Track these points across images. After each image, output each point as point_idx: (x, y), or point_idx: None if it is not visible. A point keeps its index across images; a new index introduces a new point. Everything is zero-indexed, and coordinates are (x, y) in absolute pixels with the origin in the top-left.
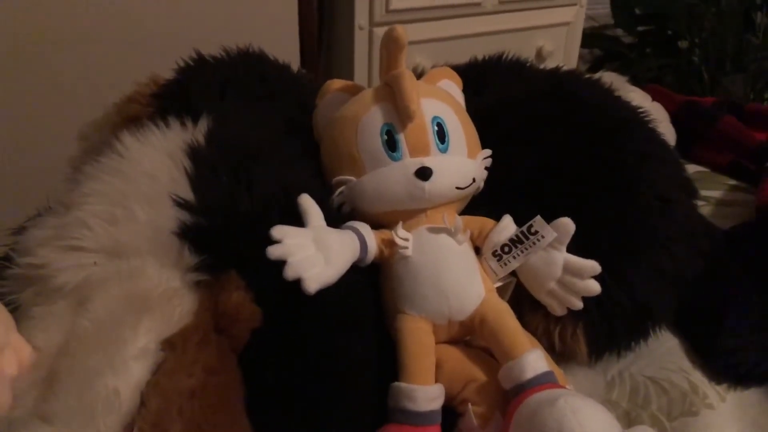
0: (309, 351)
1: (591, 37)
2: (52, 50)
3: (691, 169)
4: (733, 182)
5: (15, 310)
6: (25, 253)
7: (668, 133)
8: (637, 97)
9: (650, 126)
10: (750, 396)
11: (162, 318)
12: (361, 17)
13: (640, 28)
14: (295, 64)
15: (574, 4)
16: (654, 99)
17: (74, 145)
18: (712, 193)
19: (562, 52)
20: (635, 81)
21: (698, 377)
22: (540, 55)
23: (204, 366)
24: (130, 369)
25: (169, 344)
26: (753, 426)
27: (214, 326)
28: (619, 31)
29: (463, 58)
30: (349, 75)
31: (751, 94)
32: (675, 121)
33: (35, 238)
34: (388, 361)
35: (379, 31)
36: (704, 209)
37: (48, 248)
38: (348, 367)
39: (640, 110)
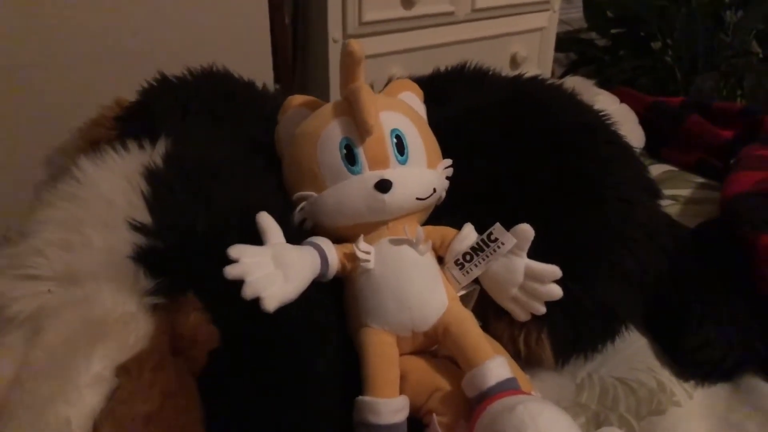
0: (270, 370)
1: (565, 42)
2: (19, 73)
3: (660, 168)
4: (701, 180)
5: None
6: None
7: (637, 134)
8: (605, 100)
9: (612, 129)
10: (717, 391)
11: (117, 344)
12: (334, 30)
13: (613, 31)
14: (269, 78)
15: (547, 10)
16: (622, 101)
17: (40, 171)
18: (680, 191)
19: (537, 57)
20: (610, 83)
21: (666, 375)
22: (515, 61)
23: (161, 390)
24: (84, 397)
25: (123, 370)
26: (721, 421)
27: (172, 349)
28: (594, 35)
29: (448, 65)
30: (324, 88)
31: (724, 91)
32: (644, 122)
33: None
34: (353, 376)
35: None
36: (673, 208)
37: (2, 278)
38: (311, 385)
39: (602, 114)
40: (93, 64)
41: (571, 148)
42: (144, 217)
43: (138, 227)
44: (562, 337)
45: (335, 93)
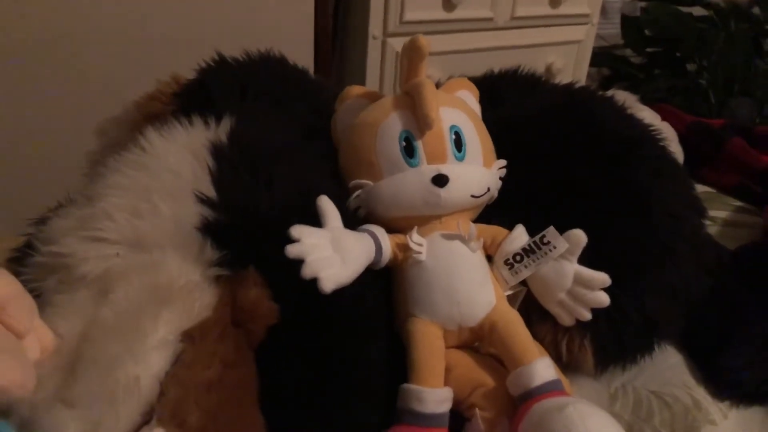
0: (323, 350)
1: (600, 56)
2: (72, 47)
3: (698, 189)
4: (739, 203)
5: (37, 298)
6: (48, 241)
7: (677, 152)
8: (648, 116)
9: (662, 144)
10: (752, 414)
11: (182, 310)
12: (375, 27)
13: (649, 50)
14: (308, 68)
15: (586, 23)
16: (663, 118)
17: (92, 140)
18: (718, 213)
19: (572, 69)
20: (644, 101)
21: (701, 393)
22: (550, 71)
23: (222, 359)
24: (150, 358)
25: (188, 336)
26: None
27: (232, 321)
28: (628, 52)
29: (474, 72)
30: (360, 83)
31: (757, 118)
32: (683, 141)
33: (59, 227)
34: (398, 363)
35: (393, 42)
36: (711, 229)
37: (72, 238)
38: (360, 368)
39: (652, 128)
40: (144, 45)
41: (622, 159)
42: (209, 191)
43: (204, 200)
44: (604, 346)
45: (371, 88)
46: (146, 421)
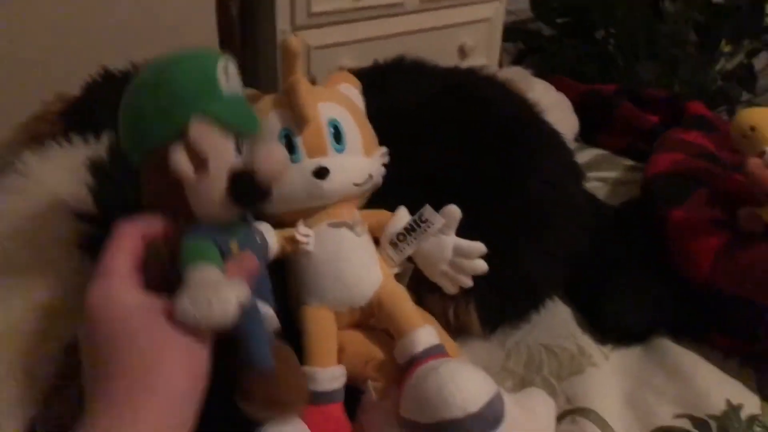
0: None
1: (513, 32)
2: None
3: (593, 153)
4: (630, 163)
5: None
6: None
7: (571, 121)
8: (541, 89)
9: (539, 117)
10: (631, 353)
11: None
12: (282, 21)
13: (558, 20)
14: None
15: (494, 0)
16: (558, 89)
17: None
18: (610, 174)
19: (485, 47)
20: (556, 72)
21: (586, 341)
22: (463, 51)
23: None
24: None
25: (73, 350)
26: (633, 378)
27: None
28: (541, 24)
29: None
30: (273, 79)
31: (664, 78)
32: (578, 110)
33: None
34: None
35: (302, 35)
36: (602, 189)
37: None
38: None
39: (531, 103)
40: (36, 60)
41: (498, 136)
42: (90, 208)
43: (83, 216)
44: (488, 308)
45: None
46: None
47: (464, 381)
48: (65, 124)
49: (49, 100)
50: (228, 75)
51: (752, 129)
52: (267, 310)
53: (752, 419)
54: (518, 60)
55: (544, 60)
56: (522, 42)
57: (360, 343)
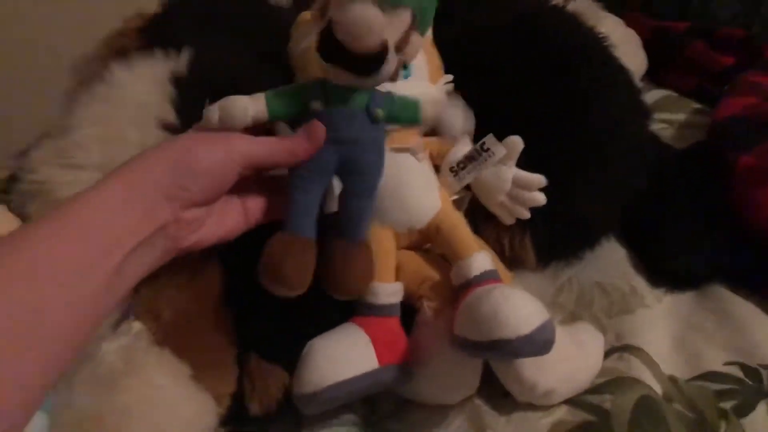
0: None
1: None
2: None
3: (659, 93)
4: (697, 106)
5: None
6: (29, 171)
7: (640, 58)
8: (610, 23)
9: (607, 52)
10: (685, 298)
11: None
12: None
13: None
14: None
15: None
16: (627, 25)
17: (68, 78)
18: (676, 116)
19: None
20: (628, 7)
21: (639, 282)
22: None
23: (189, 266)
24: None
25: None
26: (683, 322)
27: None
28: None
29: None
30: None
31: (742, 18)
32: (647, 47)
33: (38, 158)
34: None
35: None
36: (667, 131)
37: (48, 166)
38: None
39: (600, 36)
40: None
41: (565, 69)
42: (172, 118)
43: (168, 126)
44: (542, 242)
45: None
46: (125, 316)
47: (518, 304)
48: (146, 39)
49: (129, 16)
50: None
51: None
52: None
53: None
54: None
55: None
56: None
57: (417, 263)
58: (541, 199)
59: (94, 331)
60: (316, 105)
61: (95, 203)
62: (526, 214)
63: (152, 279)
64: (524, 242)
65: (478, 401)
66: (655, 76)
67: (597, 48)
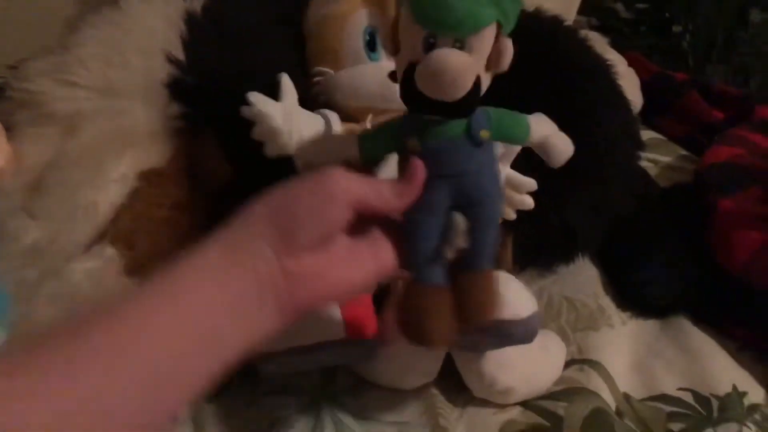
0: None
1: (590, 7)
2: None
3: (650, 134)
4: (684, 152)
5: (8, 130)
6: (22, 79)
7: (636, 98)
8: (614, 59)
9: (612, 77)
10: (649, 325)
11: (142, 153)
12: None
13: (638, 6)
14: None
15: None
16: (630, 65)
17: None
18: (662, 158)
19: (558, 13)
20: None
21: (607, 302)
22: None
23: (174, 202)
24: (110, 189)
25: (145, 177)
26: (644, 346)
27: (189, 172)
28: (619, 6)
29: None
30: None
31: (733, 86)
32: (645, 90)
33: (34, 68)
34: None
35: None
36: (652, 170)
37: (45, 79)
38: None
39: (607, 62)
40: None
41: (574, 83)
42: (179, 53)
43: (174, 60)
44: (524, 244)
45: None
46: (99, 241)
47: (516, 290)
48: None
49: None
50: None
51: None
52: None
53: (754, 407)
54: None
55: (615, 41)
56: (597, 18)
57: None
58: (528, 202)
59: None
60: (413, 142)
61: (197, 268)
62: (512, 215)
63: (132, 207)
64: (506, 242)
65: (434, 391)
66: (647, 118)
67: (604, 71)
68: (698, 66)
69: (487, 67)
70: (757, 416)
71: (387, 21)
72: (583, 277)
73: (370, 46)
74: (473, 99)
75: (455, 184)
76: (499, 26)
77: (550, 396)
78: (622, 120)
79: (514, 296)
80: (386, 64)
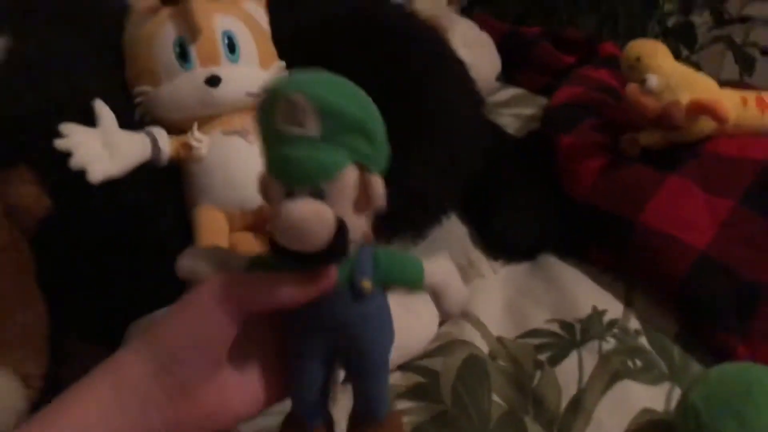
0: (103, 233)
1: None
2: None
3: (512, 91)
4: (545, 101)
5: None
6: None
7: (493, 59)
8: (464, 26)
9: (441, 44)
10: (520, 269)
11: None
12: None
13: None
14: None
15: None
16: (482, 29)
17: None
18: (525, 110)
19: None
20: (502, 19)
21: (477, 255)
22: None
23: None
24: None
25: None
26: (515, 290)
27: (5, 212)
28: None
29: None
30: None
31: (605, 31)
32: (501, 49)
33: None
34: None
35: None
36: (515, 123)
37: None
38: (139, 248)
39: (436, 31)
40: None
41: (395, 56)
42: None
43: None
44: (380, 217)
45: None
46: None
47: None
48: None
49: None
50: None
51: (637, 59)
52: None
53: (612, 323)
54: (468, 8)
55: (491, 10)
56: None
57: (251, 243)
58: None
59: None
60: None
61: (87, 401)
62: None
63: None
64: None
65: None
66: (510, 76)
67: (431, 39)
68: (571, 18)
69: (358, 209)
70: (615, 330)
71: (194, 28)
72: (453, 237)
73: (182, 56)
74: (338, 246)
75: (336, 338)
76: (363, 166)
77: (427, 354)
78: (457, 82)
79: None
80: (200, 71)
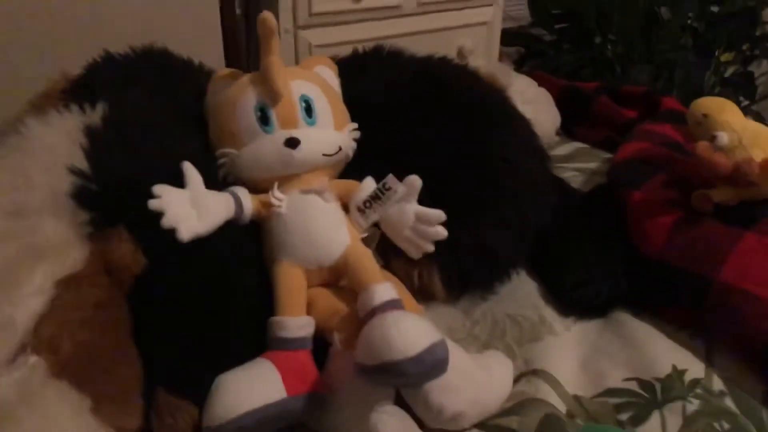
0: (196, 293)
1: (513, 36)
2: None
3: (573, 146)
4: (607, 155)
5: None
6: None
7: (552, 114)
8: (523, 83)
9: (507, 103)
10: (592, 326)
11: (57, 263)
12: (285, 21)
13: (557, 26)
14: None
15: (491, 5)
16: (540, 85)
17: None
18: (587, 165)
19: (483, 50)
20: (556, 75)
21: (549, 312)
22: (461, 53)
23: (94, 302)
24: (27, 302)
25: (62, 284)
26: (589, 347)
27: (105, 270)
28: (540, 30)
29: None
30: None
31: (660, 82)
32: (559, 105)
33: None
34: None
35: (304, 34)
36: (578, 178)
37: None
38: (226, 303)
39: (500, 90)
40: (44, 47)
41: (461, 115)
42: (82, 164)
43: (76, 171)
44: (449, 273)
45: None
46: (21, 351)
47: (406, 327)
48: (66, 98)
49: (54, 78)
50: None
51: (704, 116)
52: None
53: (695, 382)
54: (519, 64)
55: (544, 64)
56: (522, 46)
57: (328, 298)
58: (442, 232)
59: None
60: None
61: None
62: (430, 248)
63: (53, 314)
64: (432, 274)
65: None
66: (568, 130)
67: (494, 97)
68: (625, 70)
69: None
70: (698, 390)
71: (275, 93)
72: (522, 293)
73: (263, 120)
74: None
75: None
76: None
77: (503, 413)
78: (520, 139)
79: (402, 335)
80: (279, 133)
